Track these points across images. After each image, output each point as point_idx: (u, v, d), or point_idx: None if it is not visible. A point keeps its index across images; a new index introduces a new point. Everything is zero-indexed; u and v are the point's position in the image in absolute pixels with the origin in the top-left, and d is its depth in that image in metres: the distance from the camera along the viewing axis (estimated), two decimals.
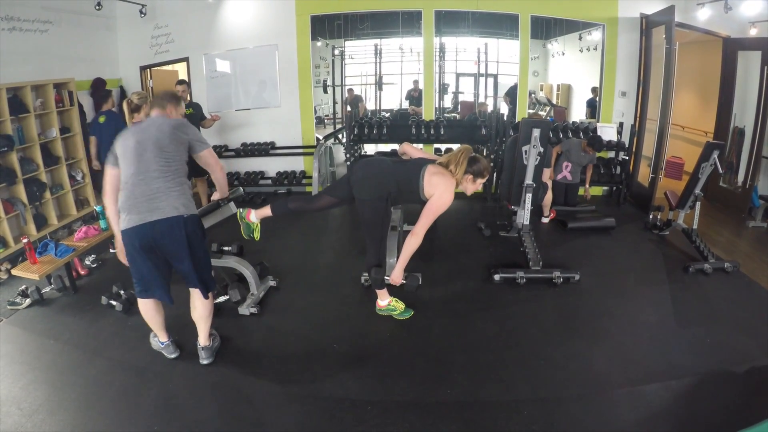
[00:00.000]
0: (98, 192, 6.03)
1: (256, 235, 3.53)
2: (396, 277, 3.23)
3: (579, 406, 2.63)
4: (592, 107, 7.62)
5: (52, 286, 3.92)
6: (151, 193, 2.65)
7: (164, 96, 3.06)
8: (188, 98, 5.65)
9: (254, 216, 3.47)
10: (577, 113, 8.33)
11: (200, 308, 2.94)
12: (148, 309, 2.94)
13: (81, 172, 5.82)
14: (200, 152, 2.93)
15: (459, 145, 3.24)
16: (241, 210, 3.52)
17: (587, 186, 5.91)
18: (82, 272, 4.37)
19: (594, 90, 7.48)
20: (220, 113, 6.89)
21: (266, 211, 3.47)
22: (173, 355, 3.05)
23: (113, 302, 3.64)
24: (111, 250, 4.82)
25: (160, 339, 3.07)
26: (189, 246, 2.72)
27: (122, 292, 3.71)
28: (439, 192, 3.02)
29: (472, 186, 3.18)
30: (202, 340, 3.02)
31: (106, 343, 3.28)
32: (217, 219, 3.60)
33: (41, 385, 2.85)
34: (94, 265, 4.53)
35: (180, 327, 3.22)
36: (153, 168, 2.66)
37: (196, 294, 2.91)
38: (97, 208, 4.58)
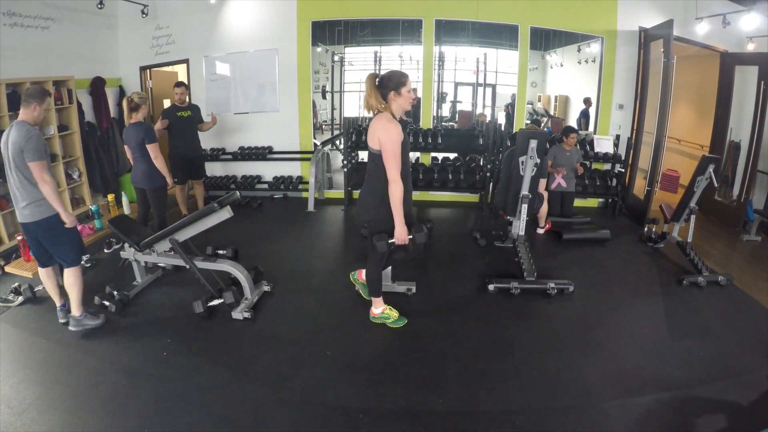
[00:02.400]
0: (94, 191, 6.05)
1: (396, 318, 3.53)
2: (400, 233, 3.00)
3: (571, 417, 2.63)
4: (586, 118, 7.66)
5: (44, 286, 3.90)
6: (16, 202, 3.23)
7: (32, 93, 3.20)
8: (187, 100, 5.64)
9: (378, 310, 3.53)
10: (574, 124, 8.37)
11: (65, 276, 3.35)
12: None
13: (77, 171, 5.79)
14: (28, 162, 3.08)
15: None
16: (353, 273, 3.75)
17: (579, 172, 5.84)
18: None
19: (586, 101, 7.53)
20: (218, 115, 6.93)
21: (379, 300, 3.51)
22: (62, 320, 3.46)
23: (106, 302, 3.62)
24: (105, 250, 4.81)
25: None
26: (44, 241, 3.28)
27: (115, 292, 3.69)
28: (381, 132, 2.87)
29: (403, 99, 2.94)
30: (73, 309, 3.34)
31: (97, 343, 3.26)
32: (212, 223, 3.60)
33: (32, 384, 2.84)
34: (88, 265, 4.51)
35: (181, 328, 3.19)
36: (13, 180, 3.17)
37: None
38: (93, 208, 4.57)
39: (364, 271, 3.57)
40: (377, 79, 2.96)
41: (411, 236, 3.06)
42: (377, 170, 2.98)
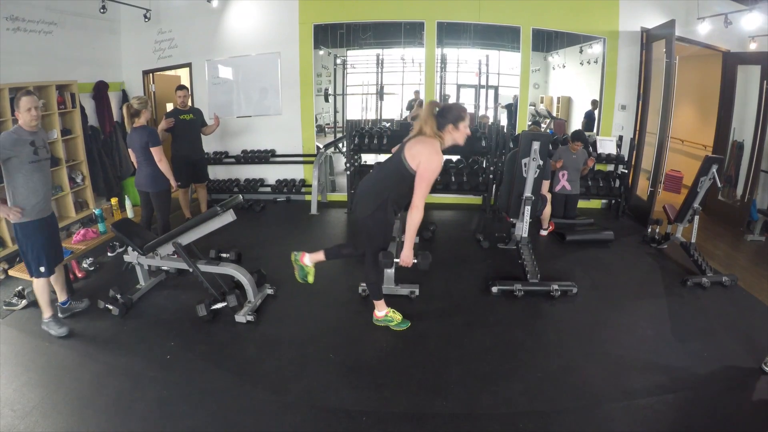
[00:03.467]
0: (97, 195, 6.06)
1: (310, 279, 3.58)
2: (406, 257, 3.10)
3: (575, 419, 2.62)
4: (590, 119, 7.65)
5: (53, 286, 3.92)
6: None
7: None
8: (189, 104, 5.66)
9: (308, 260, 3.54)
10: (577, 126, 8.37)
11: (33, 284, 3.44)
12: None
13: (81, 174, 5.81)
14: None
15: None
16: (295, 253, 3.60)
17: (590, 165, 5.82)
18: (80, 275, 4.36)
19: (594, 103, 7.52)
20: (221, 118, 6.95)
21: (320, 255, 3.52)
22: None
23: (110, 306, 3.62)
24: (109, 254, 4.82)
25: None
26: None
27: (119, 296, 3.70)
28: (425, 157, 2.88)
29: (460, 134, 2.99)
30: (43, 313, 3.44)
31: (101, 347, 3.27)
32: (215, 226, 3.60)
33: (35, 387, 2.85)
34: (92, 268, 4.52)
35: (185, 331, 3.20)
36: None
37: None
38: (96, 211, 4.59)
39: (307, 255, 3.54)
40: (437, 108, 2.99)
41: (416, 261, 3.17)
42: (396, 180, 3.01)
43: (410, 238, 3.06)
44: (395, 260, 3.21)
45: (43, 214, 3.32)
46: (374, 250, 3.22)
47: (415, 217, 2.95)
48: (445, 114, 2.95)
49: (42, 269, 3.34)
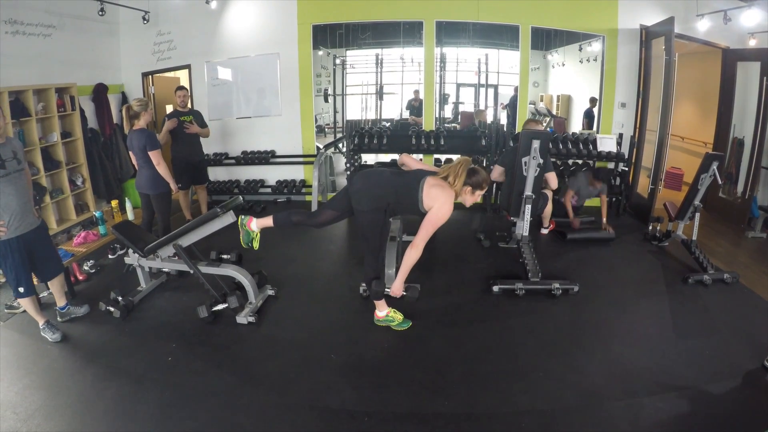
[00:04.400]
0: (98, 197, 6.07)
1: (255, 245, 3.52)
2: (396, 289, 3.21)
3: (577, 418, 2.62)
4: (590, 118, 7.64)
5: (50, 290, 3.91)
6: None
7: None
8: (189, 105, 5.66)
9: (255, 225, 3.46)
10: (577, 124, 8.35)
11: None
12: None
13: (81, 177, 5.83)
14: None
15: (458, 156, 3.23)
16: (242, 217, 3.51)
17: (604, 220, 5.48)
18: (81, 277, 4.37)
19: (593, 100, 7.50)
20: (221, 120, 6.95)
21: (268, 221, 3.48)
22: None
23: (111, 308, 3.63)
24: (110, 256, 4.83)
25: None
26: None
27: (120, 298, 3.70)
28: (439, 204, 3.01)
29: (471, 197, 3.17)
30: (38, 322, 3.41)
31: (103, 349, 3.27)
32: (215, 227, 3.60)
33: (37, 390, 2.85)
34: (93, 271, 4.53)
35: (186, 333, 3.20)
36: None
37: None
38: (97, 214, 4.59)
39: (254, 221, 3.48)
40: (470, 168, 3.12)
41: (405, 293, 3.25)
42: (404, 198, 3.11)
43: (404, 273, 3.15)
44: (386, 289, 3.30)
45: (20, 231, 3.13)
46: (370, 249, 3.26)
47: (413, 255, 3.05)
48: (472, 176, 3.10)
49: (21, 289, 3.23)
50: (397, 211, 3.27)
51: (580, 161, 6.42)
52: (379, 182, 3.18)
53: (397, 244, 3.88)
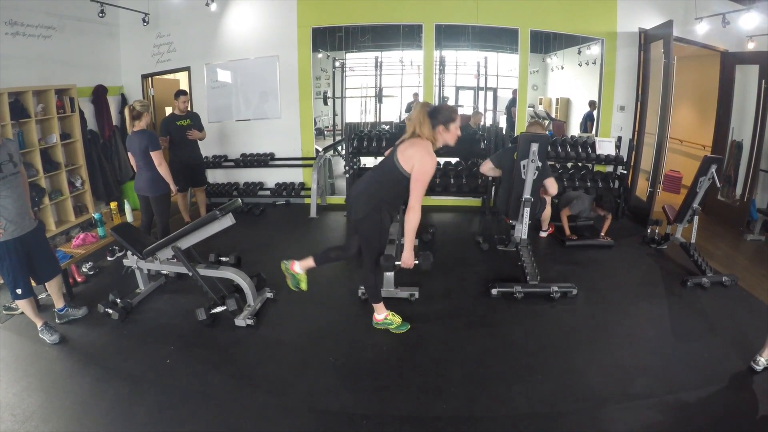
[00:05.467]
0: (97, 199, 6.07)
1: (303, 286, 3.57)
2: (407, 258, 3.10)
3: (576, 421, 2.61)
4: (591, 121, 7.65)
5: (49, 292, 3.91)
6: None
7: None
8: (188, 108, 5.67)
9: (298, 267, 3.53)
10: (576, 127, 8.37)
11: None
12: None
13: (80, 179, 5.82)
14: None
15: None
16: (285, 262, 3.58)
17: (603, 234, 5.37)
18: (79, 279, 4.37)
19: (592, 103, 7.52)
20: (220, 122, 6.96)
21: (309, 262, 3.52)
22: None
23: (109, 310, 3.62)
24: (108, 258, 4.82)
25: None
26: None
27: (119, 300, 3.70)
28: (418, 159, 2.89)
29: (450, 134, 3.01)
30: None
31: (101, 351, 3.27)
32: (214, 230, 3.60)
33: (35, 392, 2.84)
34: (92, 273, 4.53)
35: (184, 336, 3.19)
36: None
37: None
38: (96, 215, 4.58)
39: (296, 263, 3.52)
40: (429, 110, 2.98)
41: (417, 261, 3.16)
42: (390, 183, 3.02)
43: (410, 239, 3.06)
44: (396, 263, 3.21)
45: (18, 233, 3.14)
46: (371, 253, 3.22)
47: (412, 218, 2.96)
48: (436, 115, 2.96)
49: (18, 291, 3.23)
50: (394, 202, 3.19)
51: (579, 164, 6.42)
52: (363, 186, 3.18)
53: (395, 247, 3.87)
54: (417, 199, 2.95)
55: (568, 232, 5.35)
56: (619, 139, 6.43)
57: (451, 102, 8.79)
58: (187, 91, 5.75)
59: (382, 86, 8.66)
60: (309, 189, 6.69)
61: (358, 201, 3.14)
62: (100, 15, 5.85)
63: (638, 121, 6.37)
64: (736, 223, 6.04)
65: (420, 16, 6.45)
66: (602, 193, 5.47)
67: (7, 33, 5.03)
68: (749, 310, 3.89)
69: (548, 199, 5.16)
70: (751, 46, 6.14)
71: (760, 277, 4.53)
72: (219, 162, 7.00)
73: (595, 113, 7.19)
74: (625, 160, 6.30)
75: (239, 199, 3.88)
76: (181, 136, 5.44)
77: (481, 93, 8.55)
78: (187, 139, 5.48)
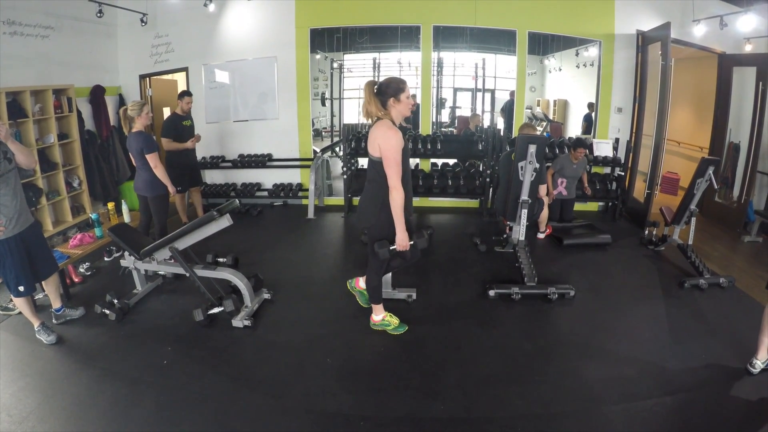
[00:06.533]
0: (94, 199, 6.06)
1: None
2: (401, 240, 3.00)
3: (574, 422, 2.62)
4: (588, 122, 7.67)
5: (45, 292, 3.89)
6: None
7: None
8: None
9: (363, 283, 3.54)
10: (574, 128, 8.38)
11: None
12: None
13: (78, 179, 5.81)
14: None
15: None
16: (350, 281, 3.67)
17: (586, 185, 5.90)
18: (76, 280, 4.35)
19: (590, 105, 7.53)
20: (218, 123, 6.95)
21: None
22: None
23: (106, 311, 3.61)
24: (105, 258, 4.82)
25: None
26: None
27: (116, 301, 3.69)
28: (381, 138, 2.85)
29: (403, 105, 2.93)
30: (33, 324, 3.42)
31: (98, 352, 3.26)
32: (212, 231, 3.59)
33: (32, 392, 2.84)
34: (89, 273, 4.52)
35: (182, 336, 3.19)
36: None
37: None
38: (93, 216, 4.57)
39: (361, 279, 3.57)
40: (375, 87, 2.94)
41: (412, 242, 3.07)
42: (377, 177, 2.98)
43: (399, 220, 2.97)
44: (392, 247, 3.08)
45: (18, 229, 3.14)
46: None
47: (396, 197, 2.90)
48: (384, 90, 2.91)
49: (21, 288, 3.23)
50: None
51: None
52: (363, 194, 3.19)
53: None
54: (394, 177, 2.87)
55: (551, 188, 5.57)
56: (617, 140, 6.46)
57: (449, 103, 8.80)
58: (191, 92, 5.74)
59: None
60: (307, 190, 6.68)
61: (364, 209, 3.14)
62: (98, 15, 5.83)
63: (636, 122, 6.39)
64: (733, 224, 6.07)
65: (418, 18, 6.45)
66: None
67: (5, 33, 5.02)
68: (746, 311, 3.89)
69: (546, 201, 5.18)
70: (748, 48, 6.16)
71: (757, 278, 4.54)
72: (217, 163, 6.99)
73: (593, 115, 7.20)
74: (622, 161, 6.32)
75: (237, 200, 3.88)
76: (184, 137, 5.44)
77: (479, 94, 8.56)
78: (185, 140, 5.48)
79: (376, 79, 2.98)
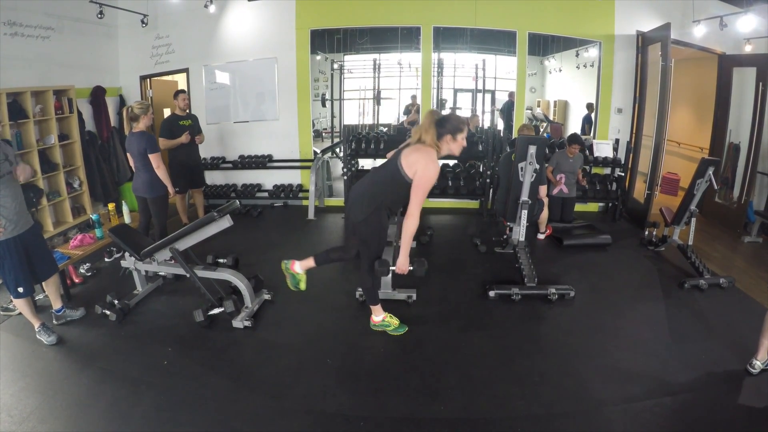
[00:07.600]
0: (95, 200, 6.06)
1: (303, 286, 3.57)
2: (402, 264, 3.10)
3: (574, 423, 2.62)
4: (589, 123, 7.67)
5: (46, 293, 3.90)
6: None
7: None
8: (188, 109, 5.67)
9: (298, 267, 3.53)
10: (574, 129, 8.37)
11: None
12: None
13: (78, 180, 5.82)
14: None
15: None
16: (285, 262, 3.58)
17: (581, 177, 5.86)
18: (77, 280, 4.36)
19: (589, 106, 7.53)
20: (218, 124, 6.96)
21: (310, 262, 3.52)
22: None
23: (107, 312, 3.62)
24: (106, 259, 4.82)
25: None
26: None
27: (116, 301, 3.70)
28: (422, 166, 2.89)
29: (456, 144, 3.00)
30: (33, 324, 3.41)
31: (98, 352, 3.26)
32: (212, 231, 3.60)
33: (33, 393, 2.84)
34: (89, 274, 4.52)
35: (182, 337, 3.19)
36: None
37: None
38: (93, 217, 4.58)
39: (297, 263, 3.53)
40: (437, 118, 2.98)
41: (411, 267, 3.14)
42: (391, 186, 3.02)
43: (406, 245, 3.07)
44: (391, 268, 3.20)
45: (17, 231, 3.15)
46: (369, 255, 3.20)
47: (410, 225, 2.97)
48: (444, 124, 2.96)
49: (20, 290, 3.24)
50: (396, 204, 3.20)
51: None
52: (364, 188, 3.16)
53: (393, 249, 3.88)
54: (417, 205, 2.95)
55: (553, 180, 5.62)
56: (617, 141, 6.46)
57: (449, 104, 8.79)
58: (185, 89, 5.73)
59: (380, 88, 8.67)
60: (307, 191, 6.68)
61: (357, 203, 3.13)
62: (99, 16, 5.85)
63: (636, 123, 6.39)
64: (733, 225, 6.07)
65: (418, 19, 6.46)
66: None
67: (5, 33, 5.03)
68: (746, 311, 3.89)
69: (545, 201, 5.18)
70: (748, 49, 6.16)
71: (757, 278, 4.54)
72: (217, 163, 7.00)
73: (592, 116, 7.20)
74: (622, 162, 6.32)
75: (237, 201, 3.88)
76: (180, 136, 5.43)
77: (479, 95, 8.56)
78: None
79: (439, 110, 3.00)
